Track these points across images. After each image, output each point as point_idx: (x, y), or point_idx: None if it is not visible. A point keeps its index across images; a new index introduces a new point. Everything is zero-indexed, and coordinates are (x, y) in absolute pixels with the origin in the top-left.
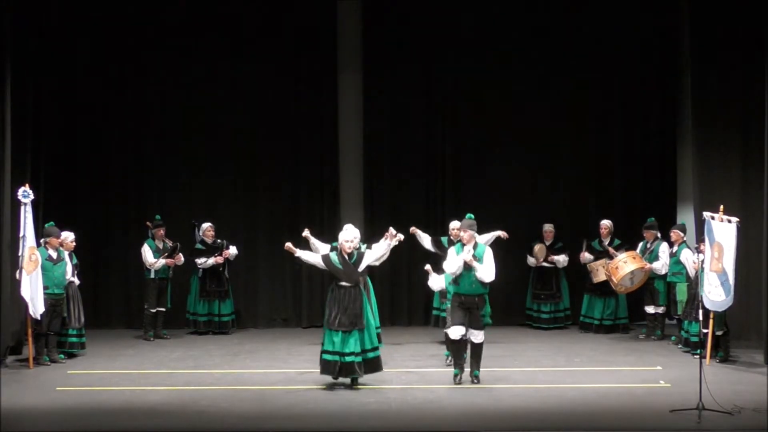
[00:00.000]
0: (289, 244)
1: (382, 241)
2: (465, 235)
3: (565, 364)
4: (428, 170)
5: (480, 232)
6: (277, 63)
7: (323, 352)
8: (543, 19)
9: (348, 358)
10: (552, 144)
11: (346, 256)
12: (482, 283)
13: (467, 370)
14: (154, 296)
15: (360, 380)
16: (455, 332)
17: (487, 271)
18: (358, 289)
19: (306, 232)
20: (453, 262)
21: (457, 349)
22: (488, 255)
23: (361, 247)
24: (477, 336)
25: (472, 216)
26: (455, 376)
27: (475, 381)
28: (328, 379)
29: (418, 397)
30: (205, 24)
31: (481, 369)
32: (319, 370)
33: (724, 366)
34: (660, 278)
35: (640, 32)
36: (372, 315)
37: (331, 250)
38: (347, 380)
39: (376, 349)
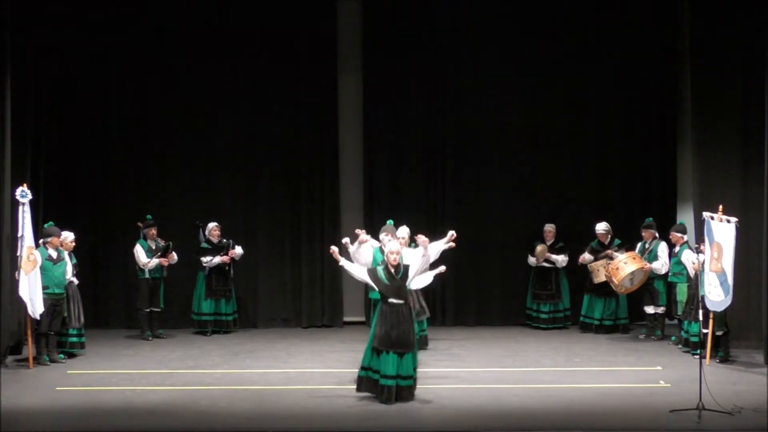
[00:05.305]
0: (334, 249)
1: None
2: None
3: (565, 364)
4: (428, 170)
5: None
6: (277, 63)
7: (362, 368)
8: (543, 19)
9: (390, 382)
10: (552, 144)
11: (392, 270)
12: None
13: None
14: (146, 296)
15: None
16: None
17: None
18: (407, 307)
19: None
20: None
21: None
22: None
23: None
24: None
25: (392, 222)
26: None
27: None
28: (328, 379)
29: (418, 397)
30: (205, 24)
31: (480, 369)
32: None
33: (724, 366)
34: (660, 278)
35: (640, 32)
36: None
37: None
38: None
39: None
